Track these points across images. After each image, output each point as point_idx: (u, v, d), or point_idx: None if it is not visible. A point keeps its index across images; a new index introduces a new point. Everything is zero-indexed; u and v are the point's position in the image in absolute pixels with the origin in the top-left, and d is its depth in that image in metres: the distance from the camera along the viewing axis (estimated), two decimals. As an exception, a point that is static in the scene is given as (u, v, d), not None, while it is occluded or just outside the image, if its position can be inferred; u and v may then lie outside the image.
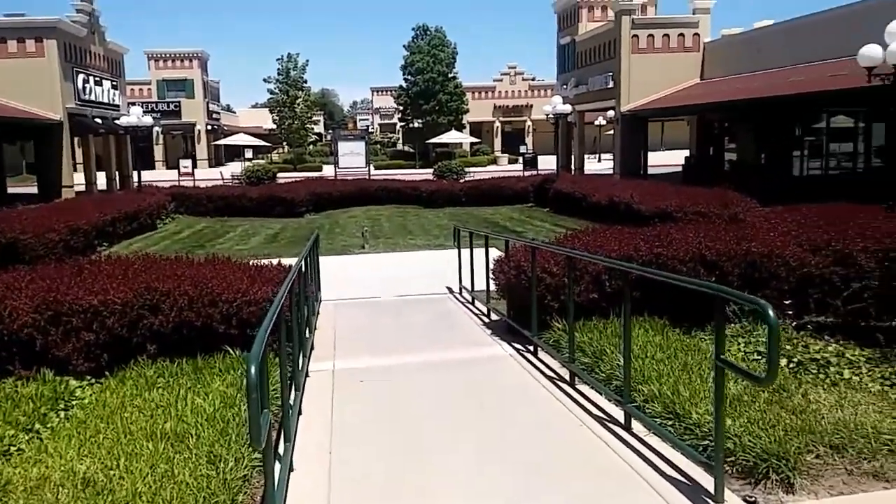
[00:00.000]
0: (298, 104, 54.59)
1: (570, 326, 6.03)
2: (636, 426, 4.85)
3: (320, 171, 45.75)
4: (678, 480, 4.05)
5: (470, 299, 10.01)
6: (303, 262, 6.95)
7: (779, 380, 5.22)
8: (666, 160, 37.10)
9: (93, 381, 6.35)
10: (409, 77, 52.83)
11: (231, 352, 6.65)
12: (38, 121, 25.11)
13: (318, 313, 9.06)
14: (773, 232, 7.66)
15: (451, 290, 10.84)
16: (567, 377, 6.13)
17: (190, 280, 6.88)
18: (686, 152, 33.58)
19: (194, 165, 40.21)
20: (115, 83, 32.03)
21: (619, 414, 5.10)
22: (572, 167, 36.03)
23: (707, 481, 3.94)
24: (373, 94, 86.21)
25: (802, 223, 8.13)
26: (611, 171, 32.07)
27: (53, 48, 25.89)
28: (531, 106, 61.10)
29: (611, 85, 31.14)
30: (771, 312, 3.40)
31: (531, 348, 7.16)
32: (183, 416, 5.16)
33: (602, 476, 4.23)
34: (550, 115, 24.63)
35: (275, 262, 8.45)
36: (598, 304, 7.17)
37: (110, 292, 6.57)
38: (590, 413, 5.24)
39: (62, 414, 5.60)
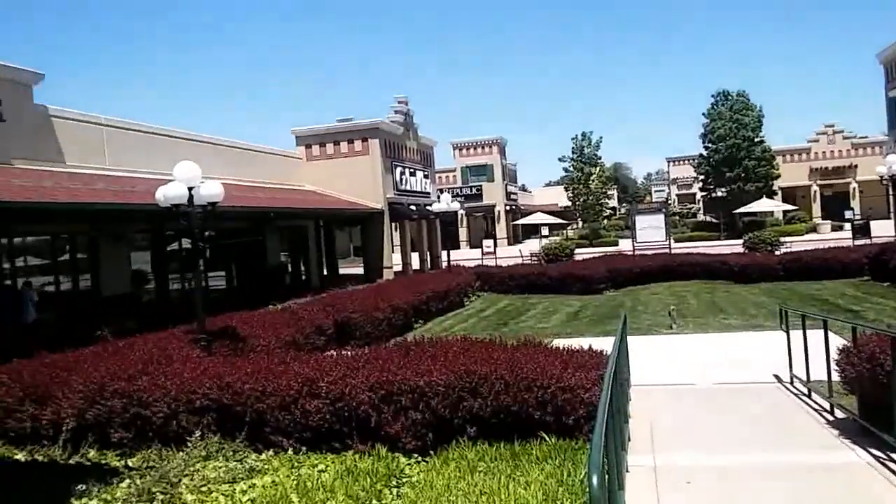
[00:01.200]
0: (593, 180, 55.28)
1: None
2: None
3: (616, 245, 45.34)
4: None
5: (805, 391, 8.76)
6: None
7: None
8: None
9: (419, 458, 6.63)
10: (710, 145, 50.59)
11: (547, 439, 6.52)
12: (366, 210, 28.55)
13: (630, 399, 8.59)
14: None
15: (779, 379, 9.62)
16: (956, 500, 4.91)
17: (505, 364, 6.95)
18: None
19: (495, 244, 42.39)
20: (426, 173, 35.37)
21: None
22: (915, 233, 30.99)
23: None
24: (669, 165, 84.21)
25: None
26: (968, 237, 26.88)
27: (376, 146, 29.53)
28: (856, 166, 54.61)
29: (961, 136, 26.51)
30: None
31: (894, 457, 5.93)
32: (506, 506, 5.08)
33: None
34: (885, 177, 21.52)
35: (582, 343, 8.26)
36: None
37: (434, 374, 6.88)
38: None
39: (394, 491, 5.86)
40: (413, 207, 31.92)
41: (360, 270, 30.77)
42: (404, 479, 6.12)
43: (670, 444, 6.94)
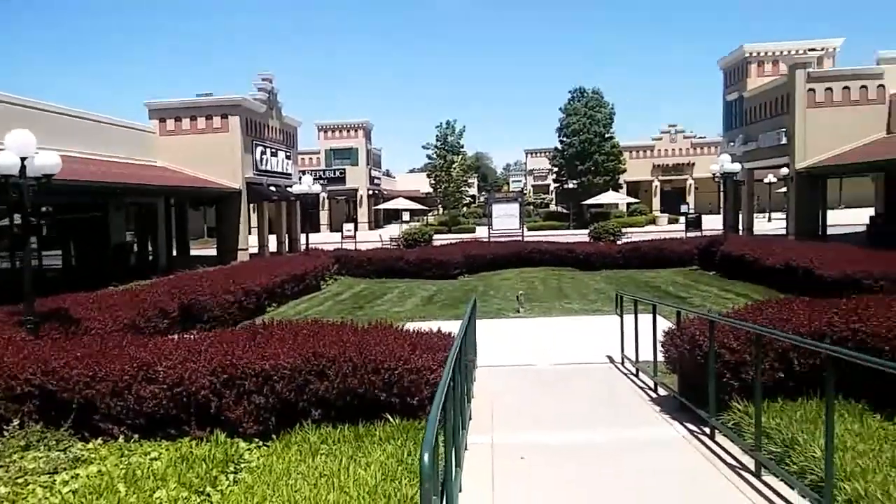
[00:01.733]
0: (455, 168, 56.26)
1: (757, 410, 5.43)
2: (843, 534, 4.18)
3: (473, 232, 46.48)
4: None
5: (634, 371, 9.44)
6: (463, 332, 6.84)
7: None
8: (845, 219, 34.15)
9: (260, 443, 6.52)
10: (565, 139, 52.94)
11: (391, 420, 6.61)
12: (222, 190, 27.46)
13: (475, 380, 8.88)
14: None
15: (611, 360, 10.30)
16: (751, 467, 5.49)
17: (354, 347, 6.96)
18: (870, 210, 30.74)
19: (356, 228, 42.15)
20: (288, 154, 34.50)
21: (819, 517, 4.44)
22: (740, 228, 34.06)
23: None
24: (526, 156, 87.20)
25: None
26: (783, 232, 29.94)
27: (237, 124, 28.42)
28: (693, 164, 59.15)
29: (784, 141, 29.37)
30: None
31: (707, 430, 6.53)
32: (345, 487, 5.11)
33: None
34: (717, 175, 23.44)
35: (434, 327, 8.43)
36: (784, 385, 6.46)
37: (280, 357, 6.77)
38: (784, 514, 4.61)
39: (231, 477, 5.73)
40: (273, 188, 31.07)
41: (213, 252, 29.60)
42: (243, 465, 6.00)
43: (509, 423, 7.26)
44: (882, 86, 27.86)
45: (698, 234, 30.90)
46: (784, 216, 34.26)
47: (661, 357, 8.24)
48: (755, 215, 37.12)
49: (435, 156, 56.43)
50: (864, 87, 27.97)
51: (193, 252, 31.09)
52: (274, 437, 6.57)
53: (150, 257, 26.95)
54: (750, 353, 6.51)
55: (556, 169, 56.31)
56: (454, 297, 18.38)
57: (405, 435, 6.24)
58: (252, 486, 5.34)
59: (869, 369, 4.58)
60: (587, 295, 17.89)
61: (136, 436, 6.52)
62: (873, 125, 27.45)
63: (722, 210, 30.66)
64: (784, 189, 35.10)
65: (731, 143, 35.35)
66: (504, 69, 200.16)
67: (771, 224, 41.77)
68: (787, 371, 6.43)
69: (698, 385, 6.87)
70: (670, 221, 50.11)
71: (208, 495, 5.32)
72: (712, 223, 34.86)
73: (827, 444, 4.27)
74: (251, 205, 31.14)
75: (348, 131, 60.54)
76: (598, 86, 56.53)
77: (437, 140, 56.10)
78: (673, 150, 60.69)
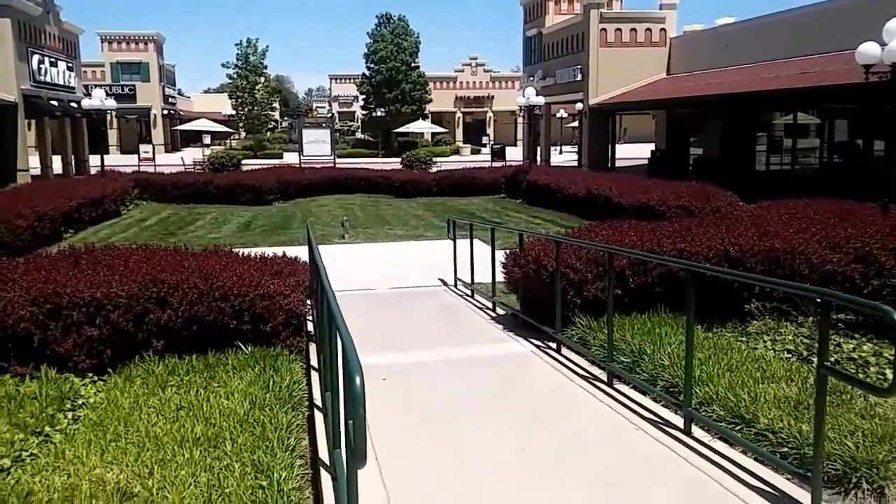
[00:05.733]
0: (258, 90, 53.47)
1: (609, 323, 5.84)
2: (696, 431, 4.68)
3: (281, 157, 44.89)
4: (765, 491, 3.87)
5: (469, 293, 9.78)
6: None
7: (831, 382, 5.14)
8: (629, 153, 37.36)
9: (96, 378, 5.94)
10: (373, 65, 52.16)
11: (243, 348, 6.30)
12: (-8, 102, 23.93)
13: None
14: (791, 228, 7.62)
15: (444, 283, 10.59)
16: (602, 377, 5.95)
17: (198, 272, 6.48)
18: (650, 146, 33.89)
19: (154, 150, 38.87)
20: (70, 65, 30.73)
21: (671, 417, 4.93)
22: (538, 159, 36.10)
23: (796, 492, 3.79)
24: (331, 82, 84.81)
25: (816, 219, 8.13)
26: (574, 164, 32.23)
27: (7, 27, 24.68)
28: (492, 97, 61.19)
29: (579, 78, 31.24)
30: (896, 318, 3.21)
31: (552, 345, 6.95)
32: (211, 418, 4.83)
33: (682, 486, 4.03)
34: (522, 107, 24.50)
35: (278, 252, 8.19)
36: (620, 301, 7.01)
37: (113, 285, 6.14)
38: (641, 416, 5.05)
39: (70, 415, 5.19)
40: (55, 103, 27.60)
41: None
42: (80, 401, 5.44)
43: (361, 346, 7.01)
44: (664, 29, 30.51)
45: (503, 164, 32.27)
46: (574, 149, 36.82)
47: (500, 278, 8.60)
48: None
49: (236, 76, 53.09)
50: (649, 29, 30.44)
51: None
52: (111, 370, 6.00)
53: None
54: (591, 272, 7.02)
55: (363, 96, 55.53)
56: (273, 223, 17.78)
57: (262, 363, 5.98)
58: (99, 422, 4.86)
59: (694, 285, 5.09)
60: (408, 221, 18.13)
61: (-55, 377, 5.65)
62: (656, 66, 30.11)
63: (523, 142, 32.27)
64: (574, 123, 37.59)
65: (531, 78, 37.01)
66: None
67: (563, 156, 44.65)
68: (624, 288, 6.97)
69: (542, 303, 7.25)
70: (473, 152, 51.79)
71: (48, 436, 4.78)
72: (513, 155, 36.56)
73: (687, 352, 4.67)
74: (29, 121, 27.49)
75: (137, 43, 54.96)
76: (403, 13, 56.04)
77: (238, 59, 52.74)
78: (474, 82, 62.26)
